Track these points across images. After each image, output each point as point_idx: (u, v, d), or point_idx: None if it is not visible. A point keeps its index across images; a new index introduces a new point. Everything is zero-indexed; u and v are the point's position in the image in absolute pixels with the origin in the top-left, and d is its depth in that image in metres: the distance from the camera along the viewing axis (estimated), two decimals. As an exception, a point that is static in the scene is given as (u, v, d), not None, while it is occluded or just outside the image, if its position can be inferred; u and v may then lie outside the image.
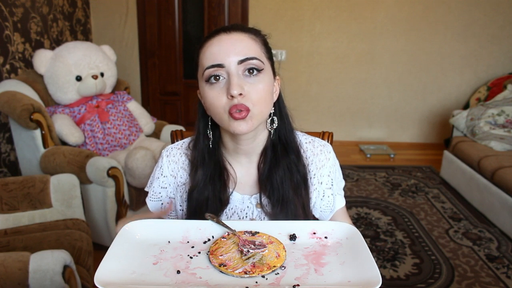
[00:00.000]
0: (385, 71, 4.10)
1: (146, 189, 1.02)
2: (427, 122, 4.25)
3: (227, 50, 0.82)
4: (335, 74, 4.12)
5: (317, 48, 4.04)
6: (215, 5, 3.97)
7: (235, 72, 0.81)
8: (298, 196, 0.91)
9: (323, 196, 0.97)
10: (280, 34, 3.92)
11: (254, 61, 0.82)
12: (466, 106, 3.87)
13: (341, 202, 1.00)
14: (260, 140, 0.92)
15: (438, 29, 3.95)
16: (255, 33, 0.88)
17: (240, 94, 0.80)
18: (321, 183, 0.97)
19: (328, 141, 1.14)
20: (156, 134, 2.80)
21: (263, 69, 0.84)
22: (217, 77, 0.82)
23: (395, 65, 4.08)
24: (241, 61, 0.81)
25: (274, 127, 0.91)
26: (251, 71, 0.82)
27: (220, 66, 0.81)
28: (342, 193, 1.02)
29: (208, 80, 0.83)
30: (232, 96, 0.80)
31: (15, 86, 2.21)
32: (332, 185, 0.97)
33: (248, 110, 0.81)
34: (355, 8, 3.92)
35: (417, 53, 4.03)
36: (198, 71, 0.88)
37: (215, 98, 0.82)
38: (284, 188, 0.91)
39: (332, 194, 0.98)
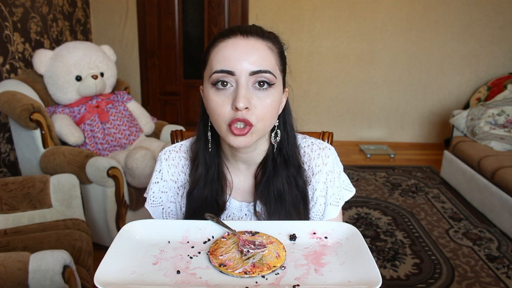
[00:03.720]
0: (385, 71, 4.10)
1: (145, 195, 0.98)
2: (427, 122, 4.25)
3: (241, 58, 0.77)
4: (335, 74, 4.12)
5: (317, 48, 4.04)
6: (215, 5, 3.97)
7: (245, 83, 0.76)
8: (296, 210, 0.89)
9: (315, 203, 0.92)
10: (280, 34, 3.91)
11: (267, 75, 0.78)
12: (466, 106, 3.86)
13: (333, 213, 0.93)
14: (260, 150, 0.89)
15: (438, 29, 3.95)
16: (273, 41, 0.82)
17: (246, 108, 0.76)
18: (316, 189, 0.92)
19: (328, 141, 1.11)
20: (156, 134, 2.80)
21: (274, 83, 0.79)
22: (225, 84, 0.77)
23: (395, 65, 4.08)
24: (254, 73, 0.77)
25: (278, 140, 0.87)
26: (261, 84, 0.78)
27: (230, 73, 0.76)
28: (338, 203, 0.94)
29: (214, 84, 0.78)
30: (237, 108, 0.75)
31: (15, 86, 2.21)
32: (326, 193, 0.92)
33: (251, 125, 0.77)
34: (355, 8, 3.92)
35: (417, 53, 4.03)
36: (206, 70, 0.82)
37: (218, 105, 0.78)
38: (282, 201, 0.88)
39: (324, 203, 0.92)
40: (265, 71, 0.78)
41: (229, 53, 0.77)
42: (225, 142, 0.87)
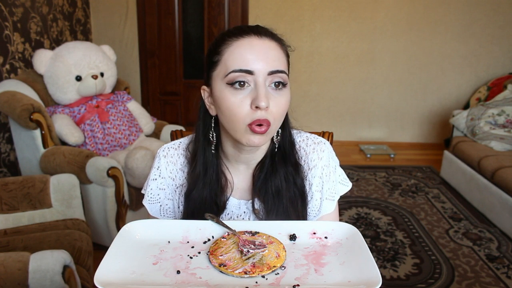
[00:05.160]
0: (385, 71, 4.10)
1: (142, 191, 0.98)
2: (427, 122, 4.25)
3: (259, 58, 0.77)
4: (335, 74, 4.12)
5: (317, 48, 4.04)
6: (215, 5, 3.97)
7: (263, 83, 0.77)
8: (294, 208, 0.89)
9: (311, 198, 0.92)
10: (280, 34, 3.91)
11: (283, 75, 0.79)
12: (466, 106, 3.87)
13: (329, 207, 0.93)
14: (262, 149, 0.90)
15: (438, 29, 3.95)
16: (282, 42, 0.84)
17: (266, 107, 0.76)
18: (312, 184, 0.92)
19: (328, 141, 1.11)
20: (156, 134, 2.80)
21: (287, 83, 0.81)
22: (243, 83, 0.77)
23: (395, 65, 4.08)
24: (271, 73, 0.77)
25: (279, 138, 0.89)
26: (277, 84, 0.79)
27: (249, 72, 0.76)
28: (334, 198, 0.93)
29: (232, 84, 0.78)
30: (257, 107, 0.76)
31: (15, 86, 2.21)
32: (322, 187, 0.92)
33: (269, 124, 0.78)
34: (355, 8, 3.92)
35: (417, 53, 4.03)
36: (217, 70, 0.81)
37: (236, 105, 0.77)
38: (280, 198, 0.88)
39: (320, 198, 0.92)
40: (281, 71, 0.79)
41: (247, 52, 0.77)
42: (229, 143, 0.88)
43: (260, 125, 0.77)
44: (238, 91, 0.78)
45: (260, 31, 0.81)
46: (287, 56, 0.85)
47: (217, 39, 0.83)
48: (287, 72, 0.81)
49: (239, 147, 0.86)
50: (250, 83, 0.77)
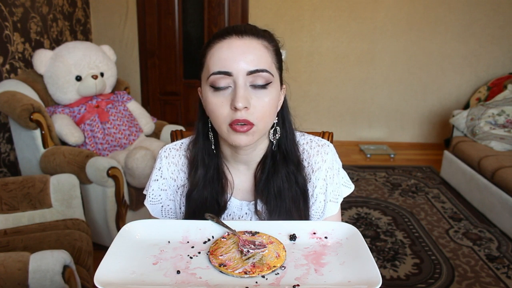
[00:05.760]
0: (385, 71, 4.10)
1: (144, 192, 0.98)
2: (427, 122, 4.25)
3: (237, 58, 0.77)
4: (335, 74, 4.12)
5: (317, 48, 4.04)
6: (215, 5, 3.97)
7: (242, 83, 0.77)
8: (296, 207, 0.89)
9: (315, 200, 0.93)
10: (280, 34, 3.90)
11: (264, 74, 0.78)
12: (466, 106, 3.87)
13: (333, 209, 0.94)
14: (260, 149, 0.89)
15: (438, 29, 3.95)
16: (269, 39, 0.83)
17: (245, 108, 0.76)
18: (316, 186, 0.92)
19: (331, 143, 1.11)
20: (156, 134, 2.80)
21: (271, 82, 0.80)
22: (223, 85, 0.78)
23: (395, 65, 4.08)
24: (251, 72, 0.77)
25: (277, 137, 0.88)
26: (259, 83, 0.78)
27: (227, 74, 0.77)
28: (338, 200, 0.94)
29: (212, 86, 0.79)
30: (236, 108, 0.76)
31: (15, 86, 2.21)
32: (326, 190, 0.93)
33: (251, 125, 0.78)
34: (355, 8, 3.92)
35: (417, 53, 4.03)
36: (203, 72, 0.83)
37: (217, 106, 0.78)
38: (282, 198, 0.88)
39: (324, 200, 0.93)
40: (262, 70, 0.78)
41: (225, 54, 0.78)
42: (226, 143, 0.88)
43: (242, 124, 0.77)
44: (219, 93, 0.78)
45: (242, 30, 0.80)
46: (276, 52, 0.84)
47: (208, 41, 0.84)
48: (271, 70, 0.80)
49: (235, 148, 0.86)
50: (230, 84, 0.78)
